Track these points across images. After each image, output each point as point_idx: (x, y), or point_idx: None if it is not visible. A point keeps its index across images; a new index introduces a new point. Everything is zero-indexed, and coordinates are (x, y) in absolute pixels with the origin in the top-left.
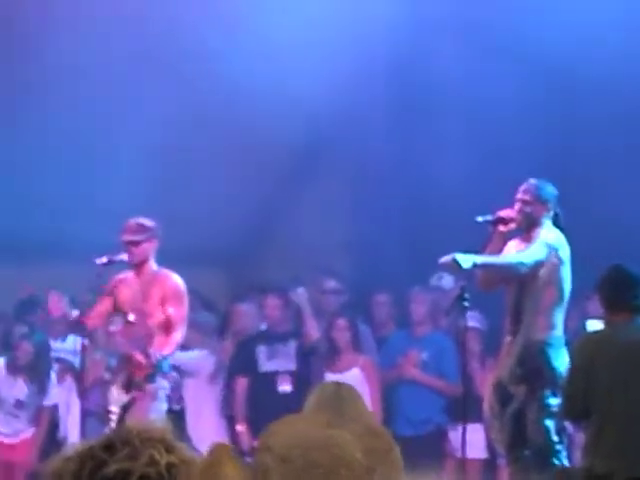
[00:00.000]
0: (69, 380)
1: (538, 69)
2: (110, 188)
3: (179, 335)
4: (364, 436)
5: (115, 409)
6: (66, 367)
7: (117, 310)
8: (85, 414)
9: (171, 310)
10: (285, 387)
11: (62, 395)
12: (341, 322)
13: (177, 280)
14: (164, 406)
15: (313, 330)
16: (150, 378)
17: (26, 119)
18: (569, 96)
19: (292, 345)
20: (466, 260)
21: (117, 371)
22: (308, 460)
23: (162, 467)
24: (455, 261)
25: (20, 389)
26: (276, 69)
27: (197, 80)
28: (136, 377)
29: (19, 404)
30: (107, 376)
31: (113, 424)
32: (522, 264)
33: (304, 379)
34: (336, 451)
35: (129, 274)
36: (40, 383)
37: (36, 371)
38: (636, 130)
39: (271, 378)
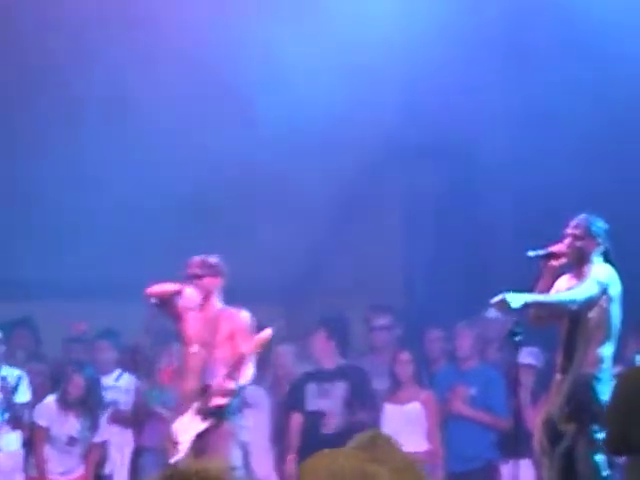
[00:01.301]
0: (121, 420)
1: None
2: (161, 227)
3: (252, 369)
4: (401, 471)
5: (187, 438)
6: (119, 411)
7: (181, 339)
8: (139, 451)
9: (242, 345)
10: (329, 429)
11: (113, 433)
12: (404, 356)
13: (246, 316)
14: (240, 440)
15: None
16: (227, 410)
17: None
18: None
19: (340, 386)
20: (516, 299)
21: (186, 400)
22: None
23: None
24: (505, 301)
25: (72, 425)
26: (325, 105)
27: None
28: (213, 405)
29: (72, 440)
30: (164, 412)
31: (182, 454)
32: (574, 302)
33: (350, 421)
34: None
35: (196, 308)
36: (91, 418)
37: (87, 405)
38: None
39: (317, 418)
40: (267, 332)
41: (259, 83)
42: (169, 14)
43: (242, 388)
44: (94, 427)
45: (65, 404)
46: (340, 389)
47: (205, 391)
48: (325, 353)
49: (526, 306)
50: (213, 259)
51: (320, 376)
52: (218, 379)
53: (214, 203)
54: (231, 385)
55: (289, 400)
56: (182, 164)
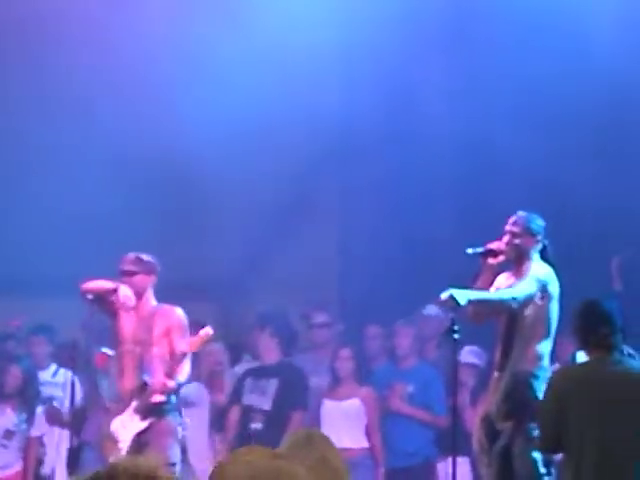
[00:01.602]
0: (58, 417)
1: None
2: (107, 224)
3: (188, 366)
4: (315, 467)
5: (127, 436)
6: (54, 409)
7: (116, 337)
8: (79, 446)
9: (178, 342)
10: (256, 425)
11: (50, 429)
12: (344, 352)
13: (181, 313)
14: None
15: None
16: (166, 407)
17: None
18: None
19: (272, 382)
20: (462, 296)
21: (124, 399)
22: None
23: None
24: (453, 298)
25: (8, 418)
26: (261, 104)
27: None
28: (152, 403)
29: (8, 434)
30: (108, 404)
31: (123, 452)
32: (514, 299)
33: (279, 419)
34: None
35: (131, 306)
36: (28, 410)
37: (24, 397)
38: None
39: (248, 412)
40: (208, 330)
41: (194, 84)
42: (120, 15)
43: (180, 385)
44: (31, 420)
45: (1, 396)
46: (272, 386)
47: (143, 389)
48: (268, 350)
49: (469, 303)
50: (146, 257)
51: (258, 372)
52: (157, 377)
53: (156, 202)
54: (171, 383)
55: (231, 394)
56: (132, 163)
